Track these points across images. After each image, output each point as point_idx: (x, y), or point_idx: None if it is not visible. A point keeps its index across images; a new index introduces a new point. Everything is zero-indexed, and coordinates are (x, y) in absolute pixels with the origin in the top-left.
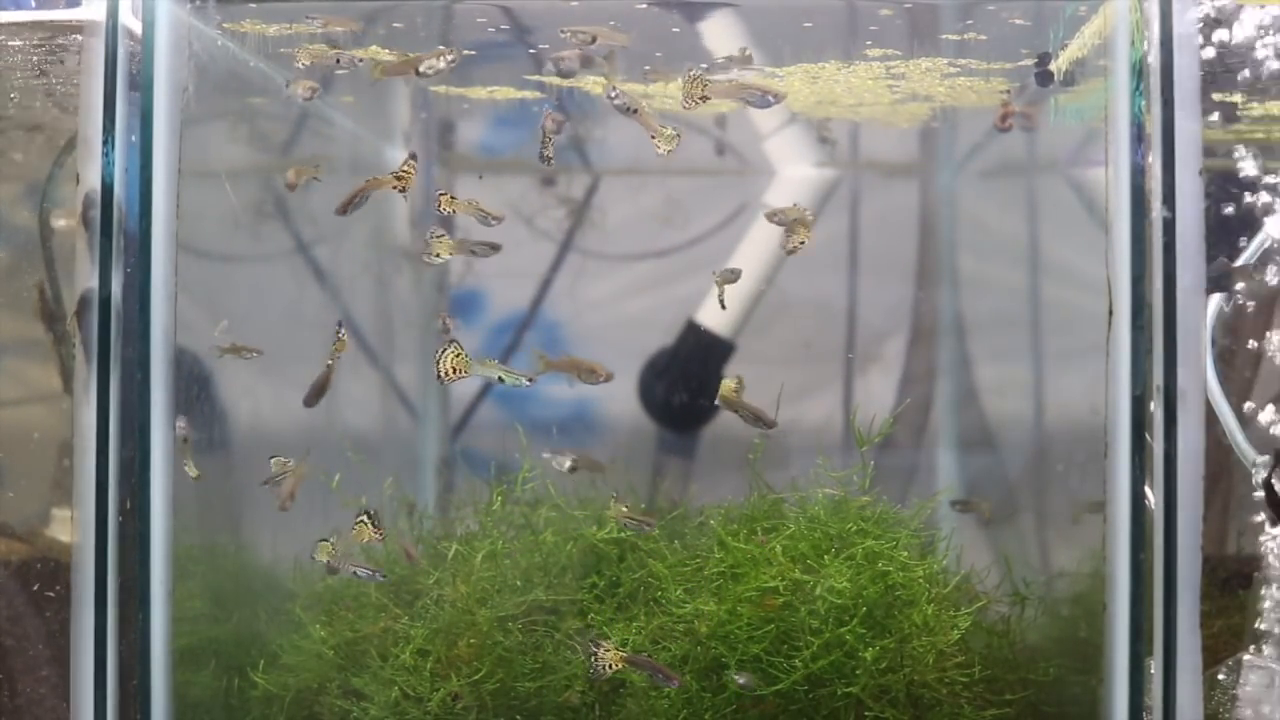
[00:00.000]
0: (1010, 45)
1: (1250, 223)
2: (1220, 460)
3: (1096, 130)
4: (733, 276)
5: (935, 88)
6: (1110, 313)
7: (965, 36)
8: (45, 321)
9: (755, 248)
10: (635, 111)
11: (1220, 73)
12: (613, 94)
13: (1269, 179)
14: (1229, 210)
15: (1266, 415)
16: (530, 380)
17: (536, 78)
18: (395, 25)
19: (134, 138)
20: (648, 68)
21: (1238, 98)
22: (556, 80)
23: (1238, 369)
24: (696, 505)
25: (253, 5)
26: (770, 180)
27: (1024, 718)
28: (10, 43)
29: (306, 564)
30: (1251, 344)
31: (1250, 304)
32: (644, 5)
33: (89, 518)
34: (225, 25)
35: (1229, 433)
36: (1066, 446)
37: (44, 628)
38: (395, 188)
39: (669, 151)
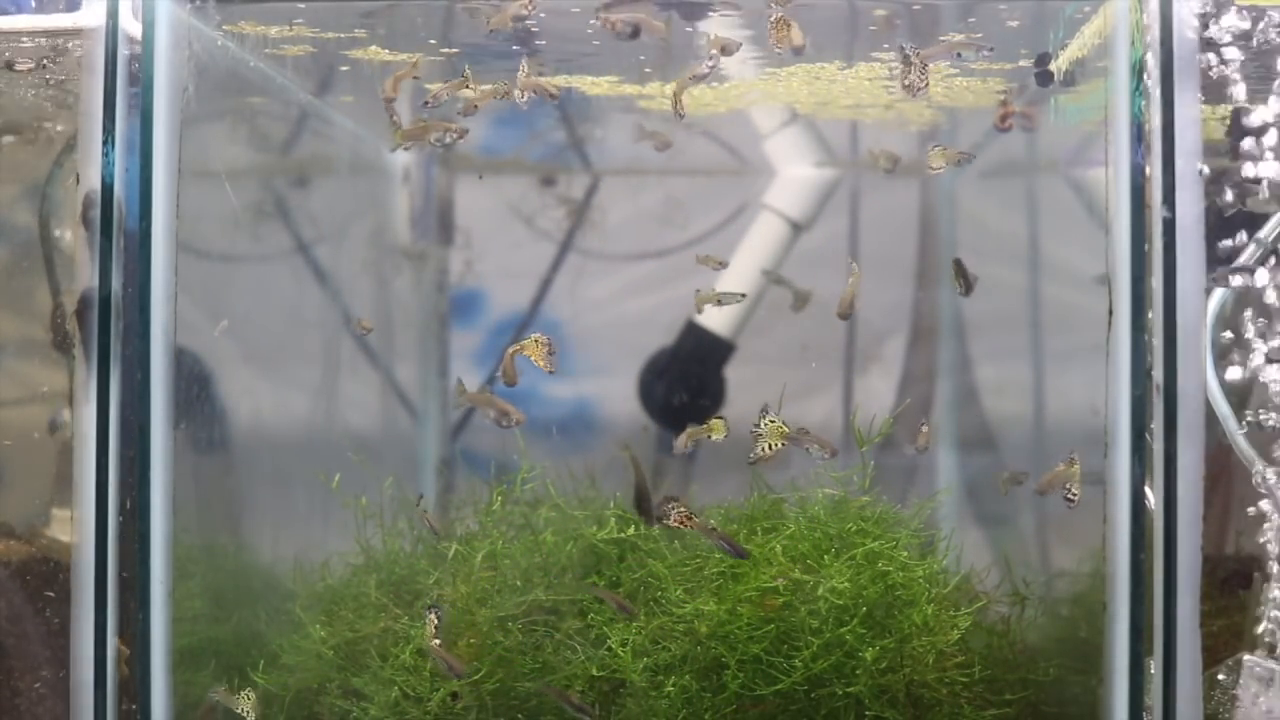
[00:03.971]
0: (1009, 45)
1: None
2: (1220, 460)
3: (1096, 130)
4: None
5: (933, 88)
6: (1110, 313)
7: (965, 36)
8: (56, 334)
9: (754, 248)
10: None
11: None
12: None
13: None
14: None
15: None
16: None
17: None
18: None
19: (134, 138)
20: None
21: None
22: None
23: None
24: (696, 505)
25: (253, 5)
26: (770, 180)
27: (1024, 718)
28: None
29: (306, 564)
30: None
31: None
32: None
33: (89, 518)
34: (225, 26)
35: (1229, 433)
36: (1066, 446)
37: (44, 628)
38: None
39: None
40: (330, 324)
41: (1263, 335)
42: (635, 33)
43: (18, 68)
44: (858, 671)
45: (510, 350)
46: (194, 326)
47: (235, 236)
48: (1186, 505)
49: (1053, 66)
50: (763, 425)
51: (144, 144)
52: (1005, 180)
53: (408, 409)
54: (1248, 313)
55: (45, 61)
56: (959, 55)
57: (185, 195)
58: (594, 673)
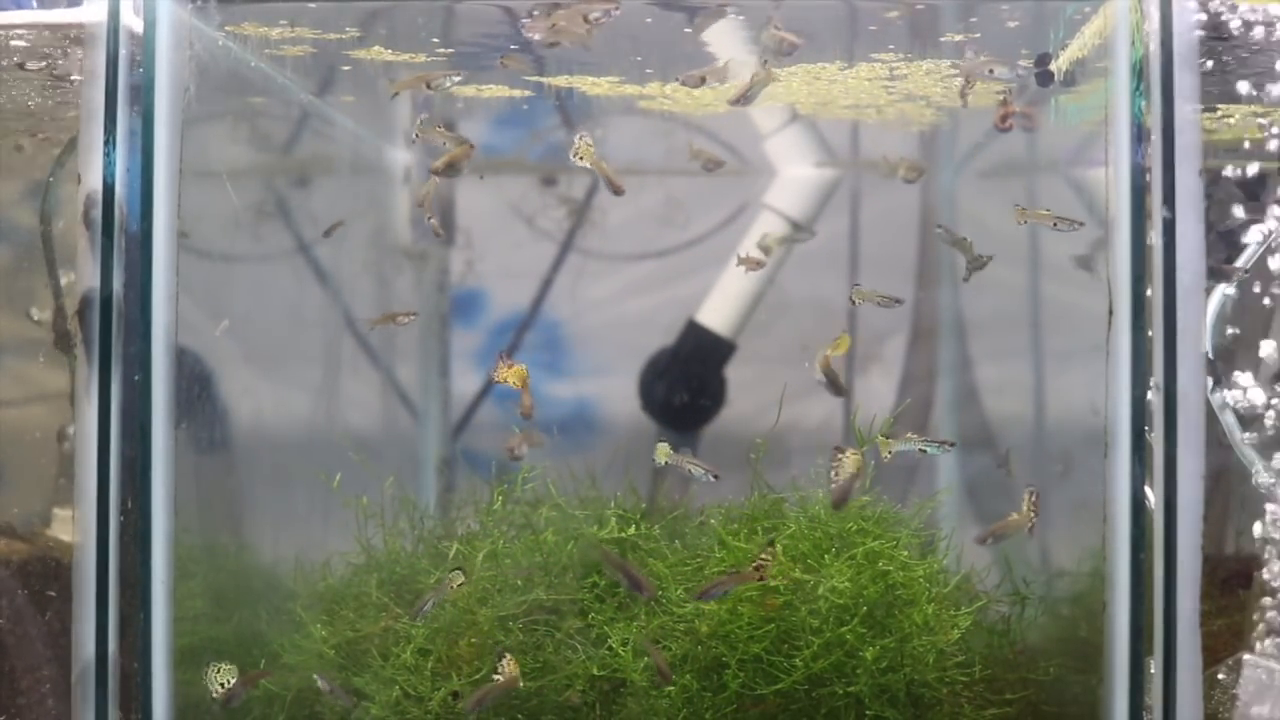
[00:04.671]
0: (1010, 45)
1: None
2: (1220, 460)
3: (1096, 130)
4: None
5: (932, 89)
6: (1110, 313)
7: (965, 37)
8: (57, 334)
9: (755, 248)
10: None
11: None
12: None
13: None
14: None
15: None
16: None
17: (534, 78)
18: None
19: (135, 138)
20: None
21: None
22: (552, 80)
23: None
24: (697, 505)
25: (255, 6)
26: (770, 180)
27: (1024, 718)
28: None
29: (307, 563)
30: None
31: None
32: (645, 4)
33: (90, 517)
34: (227, 26)
35: (1229, 433)
36: (1066, 446)
37: (44, 628)
38: None
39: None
40: (331, 324)
41: None
42: (554, 42)
43: (29, 67)
44: (858, 671)
45: (528, 404)
46: (195, 326)
47: (236, 236)
48: (1186, 505)
49: (1053, 66)
50: (843, 459)
51: (145, 144)
52: (1005, 180)
53: (408, 409)
54: None
55: (47, 61)
56: (991, 72)
57: (186, 195)
58: (595, 672)
